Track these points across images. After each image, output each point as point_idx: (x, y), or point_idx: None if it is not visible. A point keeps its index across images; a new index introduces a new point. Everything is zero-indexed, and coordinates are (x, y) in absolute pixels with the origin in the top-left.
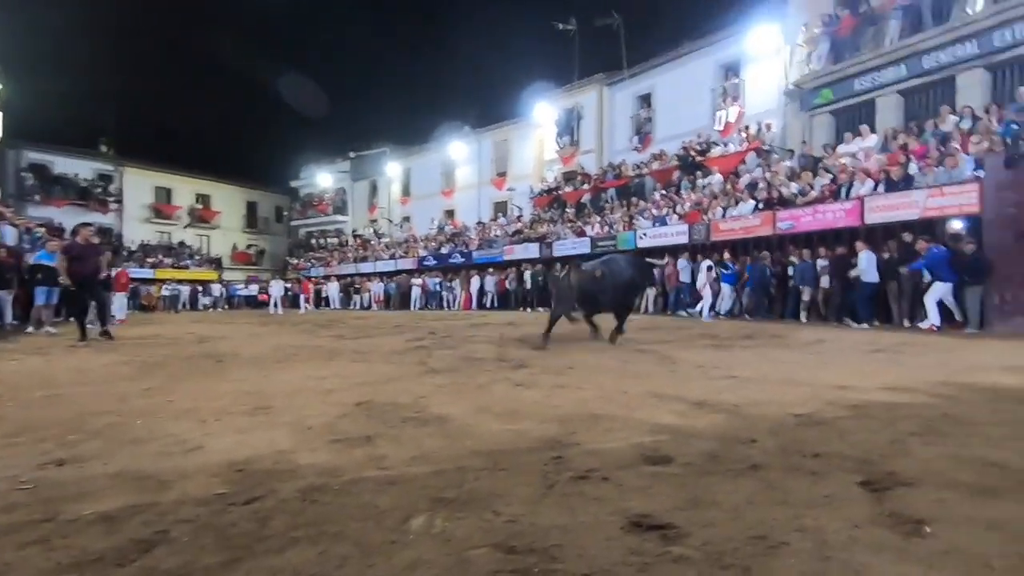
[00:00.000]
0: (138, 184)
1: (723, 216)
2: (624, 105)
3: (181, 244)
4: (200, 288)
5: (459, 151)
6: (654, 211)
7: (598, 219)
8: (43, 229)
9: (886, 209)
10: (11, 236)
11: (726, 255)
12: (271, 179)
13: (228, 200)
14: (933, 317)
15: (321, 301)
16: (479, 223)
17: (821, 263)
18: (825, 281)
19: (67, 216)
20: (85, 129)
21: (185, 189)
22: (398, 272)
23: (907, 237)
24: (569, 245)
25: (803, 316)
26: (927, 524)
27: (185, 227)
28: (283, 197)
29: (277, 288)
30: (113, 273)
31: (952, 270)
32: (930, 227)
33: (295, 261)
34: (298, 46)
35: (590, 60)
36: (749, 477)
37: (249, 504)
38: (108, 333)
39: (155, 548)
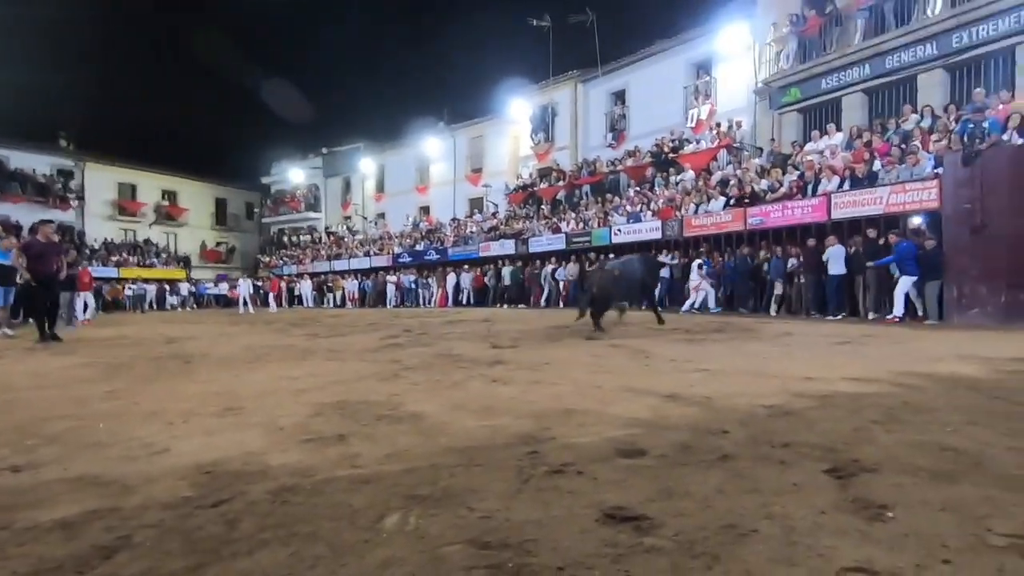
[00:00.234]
0: (100, 180)
1: (695, 212)
2: (598, 102)
3: (147, 242)
4: (168, 287)
5: (434, 147)
6: (628, 207)
7: (573, 215)
8: None
9: (852, 205)
10: None
11: (702, 252)
12: (241, 175)
13: (196, 197)
14: (898, 309)
15: (295, 299)
16: (454, 220)
17: (793, 262)
18: (800, 276)
19: (24, 213)
20: (43, 123)
21: (150, 185)
22: (373, 270)
23: (872, 233)
24: (544, 241)
25: (773, 310)
26: (888, 508)
27: (151, 225)
28: (254, 193)
29: (245, 287)
30: (77, 271)
31: (917, 264)
32: (894, 223)
33: (267, 259)
34: (270, 39)
35: (565, 57)
36: (720, 467)
37: (217, 507)
38: (56, 336)
39: (117, 554)
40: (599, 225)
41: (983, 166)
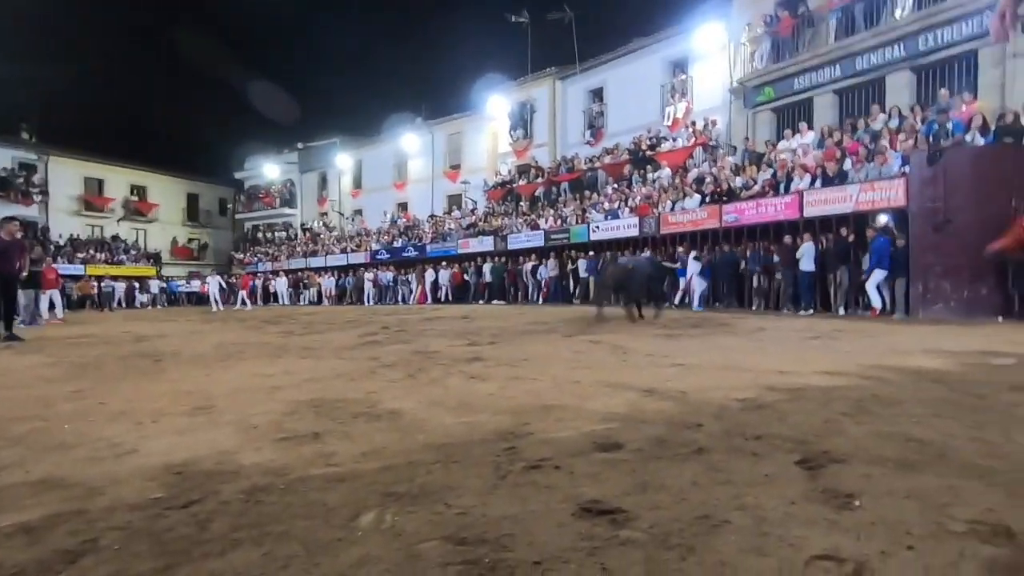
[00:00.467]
0: (65, 174)
1: (672, 209)
2: (576, 99)
3: (115, 238)
4: (137, 285)
5: (412, 143)
6: (606, 204)
7: (552, 212)
8: None
9: (823, 203)
10: None
11: (679, 249)
12: (214, 170)
13: (166, 192)
14: (876, 301)
15: (269, 297)
16: (432, 216)
17: (775, 258)
18: (776, 272)
19: None
20: (3, 113)
21: (118, 180)
22: (350, 267)
23: (843, 231)
24: (523, 238)
25: (756, 303)
26: (856, 497)
27: (119, 220)
28: (227, 189)
29: (214, 284)
30: (41, 269)
31: (890, 259)
32: (863, 220)
33: (240, 256)
34: (245, 31)
35: (543, 54)
36: (694, 460)
37: (187, 507)
38: (17, 336)
39: (82, 558)
40: (578, 222)
41: (946, 165)
